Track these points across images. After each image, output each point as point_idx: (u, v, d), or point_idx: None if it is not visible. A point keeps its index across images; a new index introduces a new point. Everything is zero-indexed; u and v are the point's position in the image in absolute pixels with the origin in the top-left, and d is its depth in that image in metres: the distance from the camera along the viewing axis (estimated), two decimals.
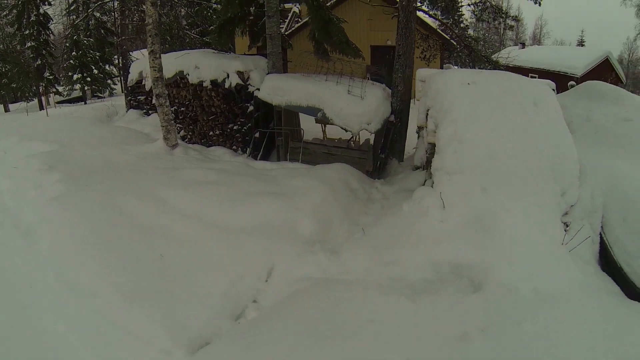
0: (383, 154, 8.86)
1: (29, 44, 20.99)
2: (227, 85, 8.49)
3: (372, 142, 10.07)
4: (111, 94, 24.79)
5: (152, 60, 7.35)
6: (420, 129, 7.37)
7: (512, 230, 3.70)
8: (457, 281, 3.48)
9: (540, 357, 2.64)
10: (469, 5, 11.75)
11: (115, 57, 26.48)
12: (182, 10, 15.77)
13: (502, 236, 3.65)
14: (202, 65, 8.87)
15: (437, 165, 4.30)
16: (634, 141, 5.32)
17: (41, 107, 21.11)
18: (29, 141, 8.32)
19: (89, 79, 22.41)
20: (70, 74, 22.60)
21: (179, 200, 5.11)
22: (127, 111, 13.64)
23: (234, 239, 4.51)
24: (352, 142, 10.18)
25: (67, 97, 23.82)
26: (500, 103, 4.39)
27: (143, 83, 12.08)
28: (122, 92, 14.53)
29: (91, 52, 22.12)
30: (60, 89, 23.87)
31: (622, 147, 5.22)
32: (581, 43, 46.04)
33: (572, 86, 13.20)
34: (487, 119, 4.27)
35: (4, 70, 22.44)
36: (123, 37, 13.76)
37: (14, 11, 21.21)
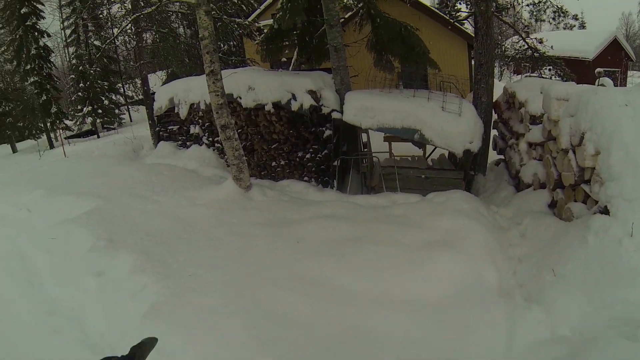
0: (473, 171, 7.95)
1: (31, 79, 19.82)
2: (294, 107, 7.35)
3: (446, 157, 9.04)
4: (120, 125, 23.62)
5: (213, 82, 6.13)
6: (530, 145, 6.30)
7: None
8: None
9: None
10: (527, 5, 10.99)
11: (119, 85, 25.46)
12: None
13: None
14: (258, 85, 7.64)
15: (613, 192, 4.22)
16: None
17: (51, 145, 19.93)
18: (59, 195, 6.84)
19: (100, 110, 21.15)
20: (79, 106, 21.39)
21: (350, 281, 3.79)
22: (155, 144, 12.51)
23: (446, 318, 3.46)
24: (430, 160, 9.14)
25: (77, 132, 22.54)
26: None
27: (176, 111, 10.96)
28: (148, 121, 13.36)
29: (98, 82, 20.95)
30: (69, 123, 22.67)
31: None
32: (582, 25, 45.57)
33: (600, 74, 12.21)
34: None
35: (7, 109, 21.20)
36: (142, 62, 12.65)
37: (12, 47, 20.08)
